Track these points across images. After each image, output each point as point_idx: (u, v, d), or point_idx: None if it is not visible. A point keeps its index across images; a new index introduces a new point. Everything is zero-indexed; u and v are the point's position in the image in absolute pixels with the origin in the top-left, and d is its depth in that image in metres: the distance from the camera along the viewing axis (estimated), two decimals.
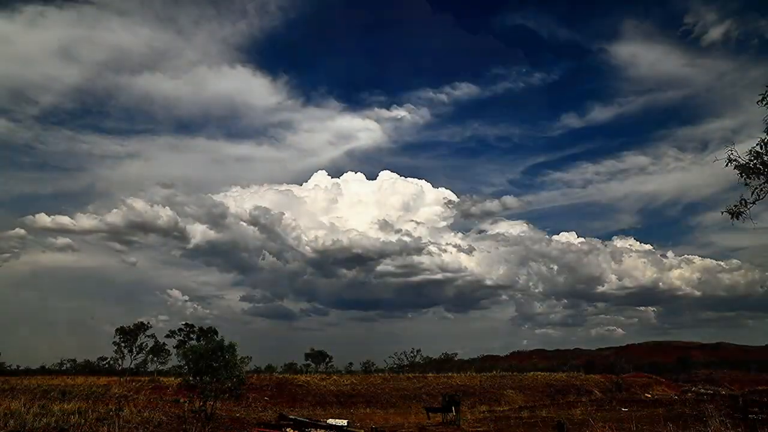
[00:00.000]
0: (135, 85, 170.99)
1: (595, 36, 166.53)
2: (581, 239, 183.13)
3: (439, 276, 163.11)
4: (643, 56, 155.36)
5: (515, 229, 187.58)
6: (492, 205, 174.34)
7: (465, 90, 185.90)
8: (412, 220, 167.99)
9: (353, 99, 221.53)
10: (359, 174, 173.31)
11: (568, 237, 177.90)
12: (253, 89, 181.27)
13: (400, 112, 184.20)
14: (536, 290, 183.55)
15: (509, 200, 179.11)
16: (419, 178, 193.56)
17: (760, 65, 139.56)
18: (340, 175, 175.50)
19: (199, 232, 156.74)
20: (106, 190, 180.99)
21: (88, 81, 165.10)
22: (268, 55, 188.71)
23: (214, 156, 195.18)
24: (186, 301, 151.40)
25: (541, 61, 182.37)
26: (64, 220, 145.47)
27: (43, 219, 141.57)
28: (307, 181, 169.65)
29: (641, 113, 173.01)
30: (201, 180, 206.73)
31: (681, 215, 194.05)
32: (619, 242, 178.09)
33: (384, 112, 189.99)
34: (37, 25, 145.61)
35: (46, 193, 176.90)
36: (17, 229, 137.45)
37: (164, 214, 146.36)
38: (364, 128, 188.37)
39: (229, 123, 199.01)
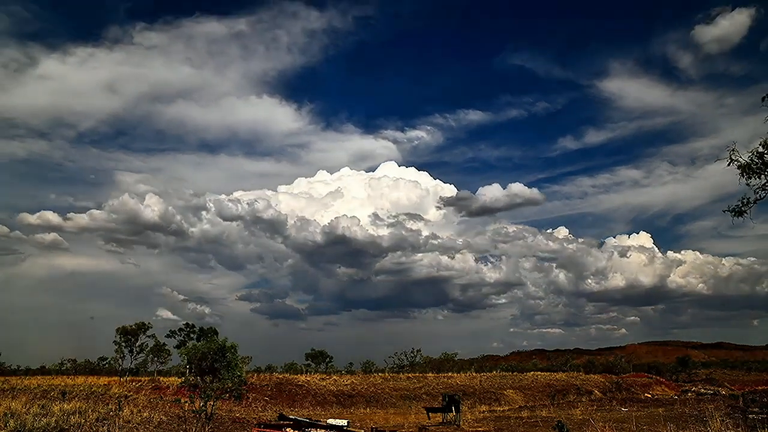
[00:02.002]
0: (167, 112, 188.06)
1: (584, 74, 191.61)
2: (581, 240, 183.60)
3: (439, 275, 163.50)
4: (629, 90, 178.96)
5: (516, 229, 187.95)
6: (496, 195, 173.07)
7: (473, 117, 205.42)
8: (412, 216, 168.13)
9: (371, 124, 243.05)
10: (355, 170, 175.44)
11: (569, 238, 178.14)
12: (278, 116, 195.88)
13: (418, 133, 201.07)
14: (536, 290, 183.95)
15: (517, 187, 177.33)
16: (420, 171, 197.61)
17: (733, 95, 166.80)
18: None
19: (199, 232, 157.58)
20: (118, 198, 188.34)
21: (125, 110, 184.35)
22: (296, 87, 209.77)
23: (233, 171, 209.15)
24: (184, 300, 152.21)
25: (539, 94, 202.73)
26: (64, 219, 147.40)
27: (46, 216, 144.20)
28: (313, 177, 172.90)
29: (632, 136, 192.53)
30: (216, 189, 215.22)
31: (673, 223, 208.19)
32: (619, 243, 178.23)
33: (399, 135, 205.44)
34: (86, 64, 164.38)
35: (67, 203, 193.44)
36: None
37: (171, 215, 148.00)
38: (381, 147, 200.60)
39: (251, 144, 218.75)
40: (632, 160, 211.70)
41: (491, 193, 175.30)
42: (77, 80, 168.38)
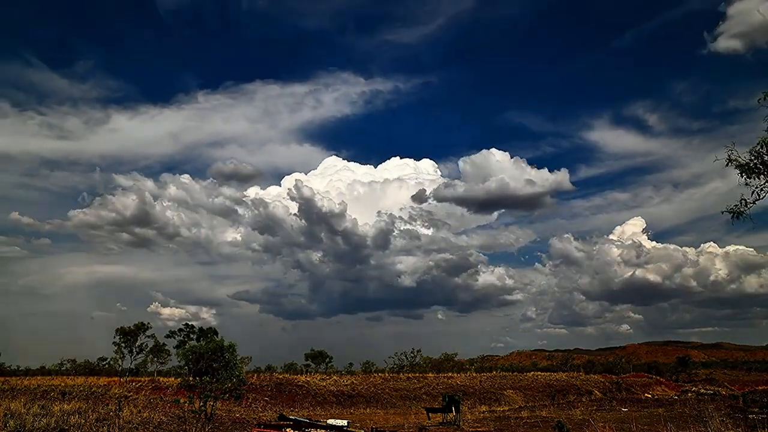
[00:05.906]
0: (217, 153, 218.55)
1: (572, 128, 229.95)
2: (581, 241, 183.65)
3: (440, 275, 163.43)
4: (609, 139, 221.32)
5: (516, 232, 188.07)
6: (498, 184, 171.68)
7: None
8: (411, 212, 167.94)
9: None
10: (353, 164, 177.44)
11: (569, 239, 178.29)
12: (314, 158, 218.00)
13: (443, 167, 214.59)
14: (537, 290, 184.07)
15: (524, 167, 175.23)
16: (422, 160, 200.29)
17: (697, 139, 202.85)
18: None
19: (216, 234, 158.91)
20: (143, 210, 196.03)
21: (180, 152, 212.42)
22: (335, 136, 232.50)
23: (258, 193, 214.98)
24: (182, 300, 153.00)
25: (538, 143, 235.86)
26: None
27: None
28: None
29: (619, 171, 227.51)
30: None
31: (669, 233, 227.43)
32: (618, 239, 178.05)
33: None
34: (154, 120, 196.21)
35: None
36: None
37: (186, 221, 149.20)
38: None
39: (282, 176, 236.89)
40: (620, 186, 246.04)
41: (493, 188, 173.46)
42: (143, 131, 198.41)
